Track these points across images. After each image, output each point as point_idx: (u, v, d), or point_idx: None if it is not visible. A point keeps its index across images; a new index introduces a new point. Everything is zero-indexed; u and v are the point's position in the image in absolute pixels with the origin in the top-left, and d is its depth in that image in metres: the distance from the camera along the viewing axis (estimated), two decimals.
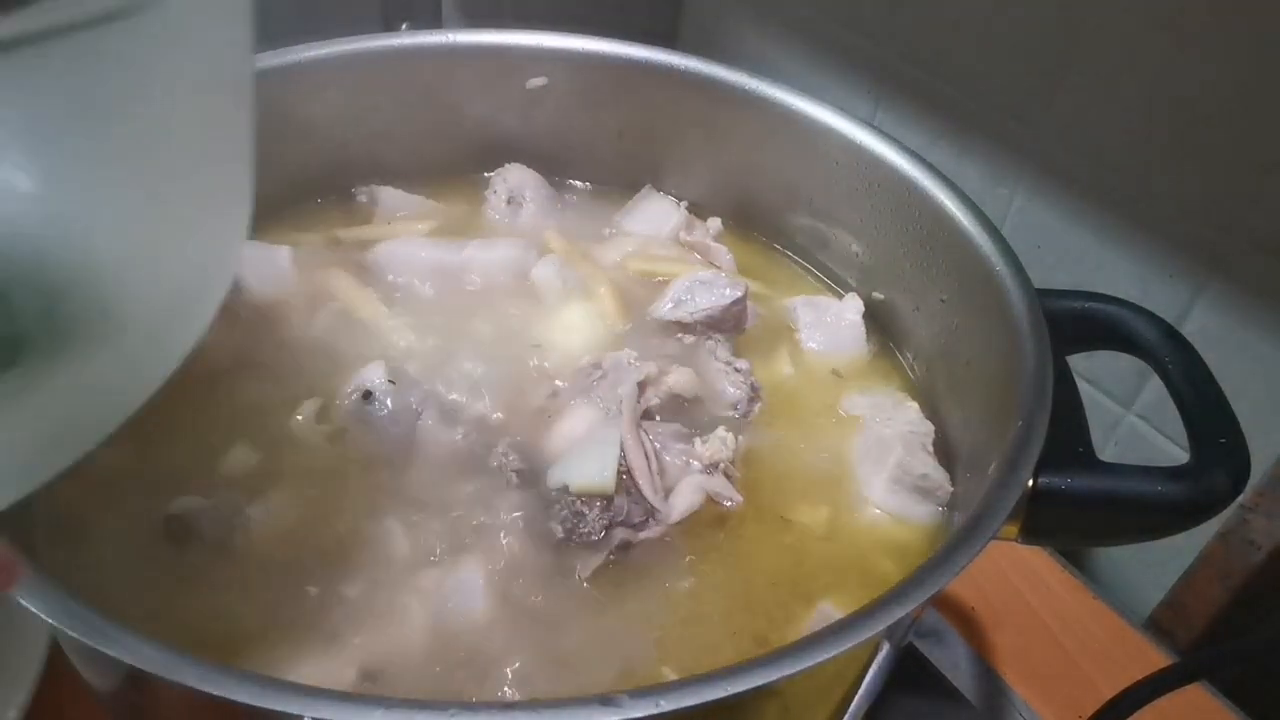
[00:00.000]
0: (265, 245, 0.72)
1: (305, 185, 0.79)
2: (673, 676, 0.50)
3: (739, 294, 0.71)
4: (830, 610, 0.55)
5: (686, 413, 0.65)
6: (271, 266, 0.71)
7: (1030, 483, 0.51)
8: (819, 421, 0.67)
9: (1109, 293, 0.63)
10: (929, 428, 0.66)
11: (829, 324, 0.74)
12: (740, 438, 0.63)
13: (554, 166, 0.85)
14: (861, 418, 0.67)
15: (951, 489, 0.62)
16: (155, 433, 0.59)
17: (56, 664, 0.63)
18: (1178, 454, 0.86)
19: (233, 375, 0.64)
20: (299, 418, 0.61)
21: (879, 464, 0.63)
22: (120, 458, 0.58)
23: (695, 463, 0.61)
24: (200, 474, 0.58)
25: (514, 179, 0.82)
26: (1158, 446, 0.89)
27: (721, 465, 0.61)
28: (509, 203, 0.81)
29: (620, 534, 0.56)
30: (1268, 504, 0.80)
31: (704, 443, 0.61)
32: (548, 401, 0.64)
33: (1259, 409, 0.77)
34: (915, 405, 0.68)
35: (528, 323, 0.70)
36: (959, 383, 0.67)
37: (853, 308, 0.74)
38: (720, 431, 0.62)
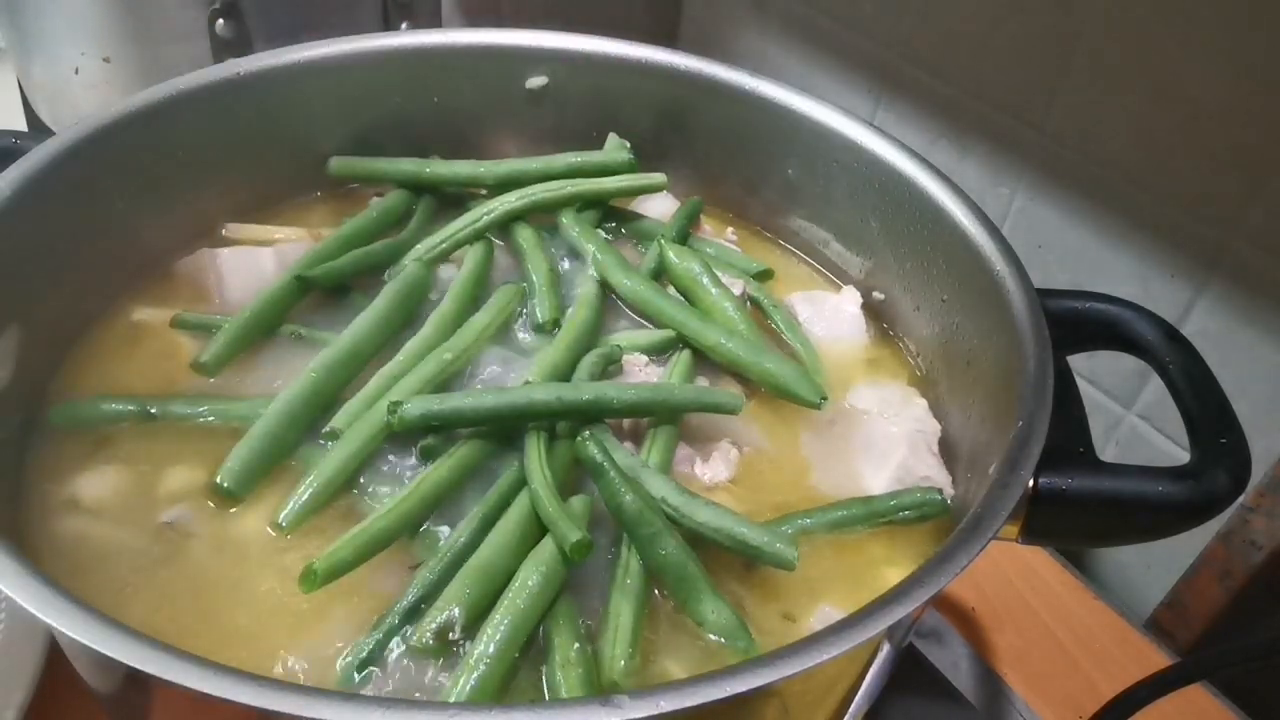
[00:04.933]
0: (248, 250, 0.71)
1: (302, 182, 0.79)
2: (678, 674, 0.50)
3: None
4: (830, 610, 0.55)
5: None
6: (255, 270, 0.70)
7: (1031, 483, 0.51)
8: (819, 417, 0.67)
9: (1109, 293, 0.63)
10: (935, 426, 0.65)
11: (828, 318, 0.74)
12: (745, 449, 0.63)
13: None
14: (867, 412, 0.67)
15: (953, 491, 0.61)
16: (147, 449, 0.59)
17: (56, 664, 0.64)
18: (1178, 454, 0.86)
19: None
20: None
21: (882, 463, 0.63)
22: (115, 473, 0.58)
23: (698, 481, 0.60)
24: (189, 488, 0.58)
25: None
26: (1158, 447, 0.89)
27: (722, 485, 0.61)
28: None
29: None
30: (1269, 504, 0.80)
31: (705, 462, 0.61)
32: None
33: (1260, 409, 0.77)
34: (924, 402, 0.68)
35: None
36: (960, 382, 0.66)
37: (850, 300, 0.74)
38: (724, 445, 0.62)
